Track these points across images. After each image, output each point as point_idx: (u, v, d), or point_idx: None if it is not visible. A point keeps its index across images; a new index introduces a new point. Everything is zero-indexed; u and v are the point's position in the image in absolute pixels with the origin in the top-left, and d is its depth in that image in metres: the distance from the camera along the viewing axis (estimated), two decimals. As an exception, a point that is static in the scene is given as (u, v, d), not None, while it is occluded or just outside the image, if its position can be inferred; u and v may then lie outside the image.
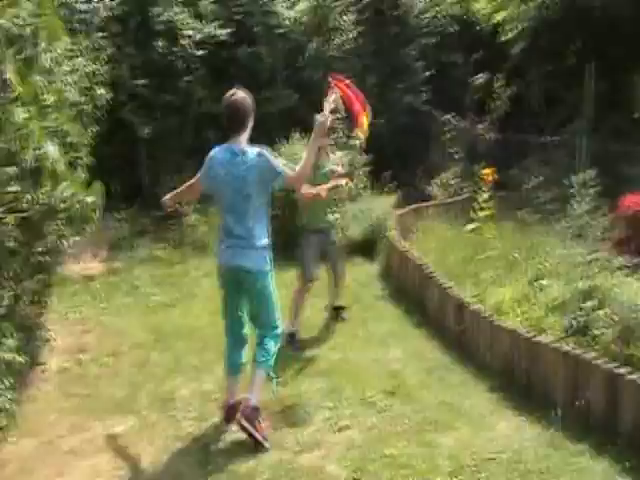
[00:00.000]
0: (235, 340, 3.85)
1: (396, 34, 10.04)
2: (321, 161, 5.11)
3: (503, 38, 10.63)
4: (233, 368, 3.84)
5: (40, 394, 4.14)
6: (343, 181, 5.13)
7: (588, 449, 3.55)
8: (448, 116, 10.96)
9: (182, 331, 5.27)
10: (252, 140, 3.70)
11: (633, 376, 3.56)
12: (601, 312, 4.39)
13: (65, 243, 4.60)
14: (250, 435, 3.52)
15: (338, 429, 3.78)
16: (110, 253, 7.09)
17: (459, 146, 10.96)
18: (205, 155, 3.86)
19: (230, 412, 3.74)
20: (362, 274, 6.98)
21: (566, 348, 3.96)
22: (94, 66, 4.36)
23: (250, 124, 3.70)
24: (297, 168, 3.67)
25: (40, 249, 4.47)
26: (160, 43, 7.28)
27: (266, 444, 3.53)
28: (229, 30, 7.81)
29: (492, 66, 11.75)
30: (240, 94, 3.67)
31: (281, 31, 8.40)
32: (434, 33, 11.07)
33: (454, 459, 3.49)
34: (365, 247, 7.58)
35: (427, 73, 10.92)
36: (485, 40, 11.95)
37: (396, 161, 10.98)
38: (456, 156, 10.97)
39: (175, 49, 7.38)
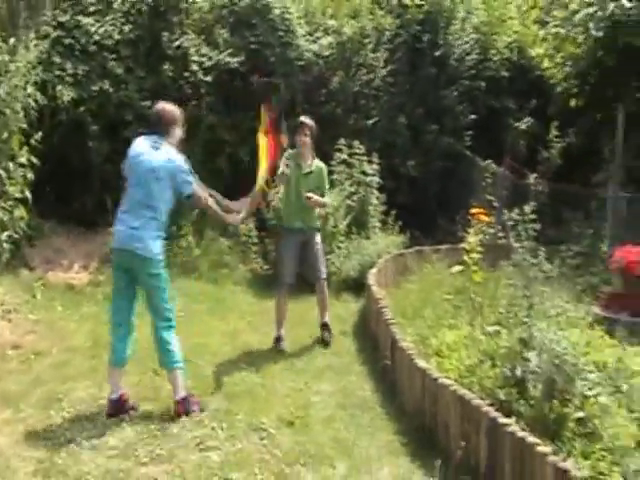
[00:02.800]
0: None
1: (435, 75, 9.94)
2: (299, 159, 5.45)
3: (544, 69, 10.22)
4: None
5: (-57, 379, 4.33)
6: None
7: (460, 505, 3.22)
8: (488, 162, 10.62)
9: (122, 342, 5.33)
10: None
11: (513, 427, 3.20)
12: (532, 364, 4.01)
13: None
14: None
15: (201, 449, 3.65)
16: (101, 266, 7.35)
17: (498, 193, 10.56)
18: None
19: (112, 407, 3.94)
20: (343, 310, 6.81)
21: (462, 392, 3.64)
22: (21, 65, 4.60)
23: (173, 132, 4.10)
24: (205, 196, 4.17)
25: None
26: (170, 67, 7.65)
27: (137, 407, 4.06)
28: (241, 58, 8.06)
29: (546, 114, 11.35)
30: (167, 104, 4.17)
31: (301, 64, 8.58)
32: (482, 77, 10.85)
33: (304, 495, 3.27)
34: (357, 285, 7.40)
35: (471, 117, 10.67)
36: (543, 87, 11.60)
37: (436, 206, 10.77)
38: (495, 204, 10.59)
39: (185, 74, 7.72)
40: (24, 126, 4.77)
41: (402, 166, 9.96)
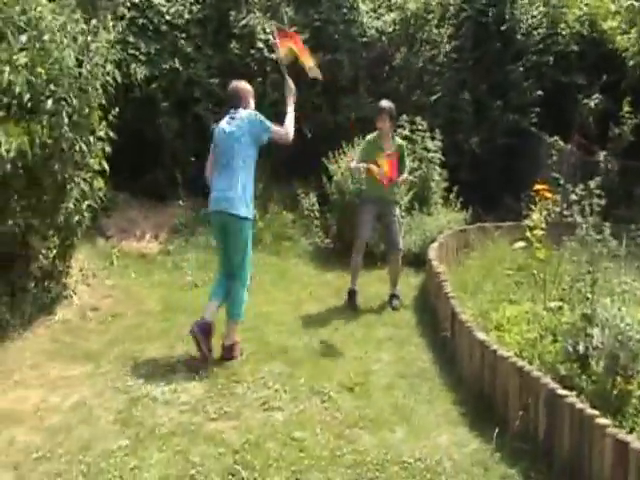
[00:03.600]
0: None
1: (500, 50, 9.71)
2: (381, 142, 5.79)
3: (617, 43, 9.78)
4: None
5: (31, 335, 4.64)
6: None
7: (517, 474, 3.25)
8: (555, 138, 10.32)
9: (191, 307, 5.50)
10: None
11: (572, 399, 3.19)
12: (595, 339, 3.96)
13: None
14: (197, 344, 4.25)
15: (265, 409, 3.81)
16: (170, 236, 7.64)
17: (565, 171, 10.26)
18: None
19: (198, 327, 4.28)
20: (403, 284, 6.82)
21: (520, 363, 3.64)
22: (102, 45, 4.78)
23: (249, 103, 4.61)
24: (283, 127, 4.57)
25: (66, 206, 5.03)
26: (237, 45, 7.76)
27: (209, 356, 4.30)
28: (305, 36, 8.06)
29: (619, 89, 10.90)
30: (240, 82, 4.69)
31: (364, 40, 8.54)
32: (551, 51, 10.51)
33: (362, 455, 3.37)
34: (418, 260, 7.40)
35: (538, 93, 10.38)
36: (616, 62, 11.11)
37: (500, 183, 10.59)
38: (561, 181, 10.31)
39: (252, 51, 7.83)
40: (103, 102, 4.99)
41: (465, 142, 9.83)
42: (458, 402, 4.05)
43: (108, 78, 4.93)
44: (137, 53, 7.27)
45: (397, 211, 6.06)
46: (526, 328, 4.56)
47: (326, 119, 8.54)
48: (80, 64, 4.74)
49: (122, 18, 6.91)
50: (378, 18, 8.76)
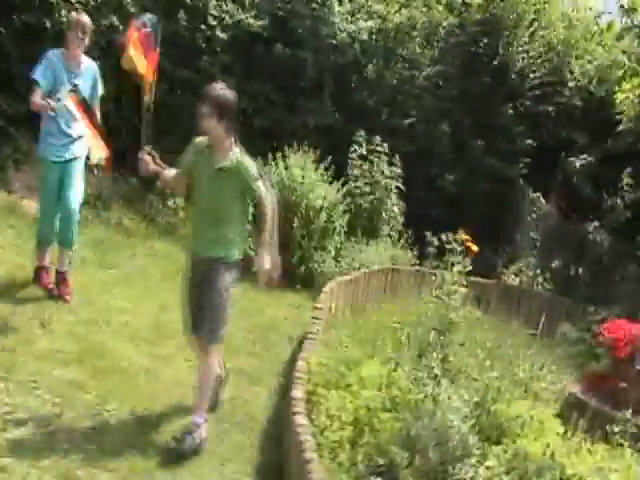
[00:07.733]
0: None
1: (490, 85, 9.13)
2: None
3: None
4: None
5: None
6: None
7: None
8: (537, 195, 9.68)
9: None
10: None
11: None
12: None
13: None
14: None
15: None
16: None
17: (543, 232, 9.64)
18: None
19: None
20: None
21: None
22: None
23: None
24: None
25: None
26: (185, 17, 7.26)
27: None
28: (262, 22, 7.61)
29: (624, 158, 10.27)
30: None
31: (333, 42, 8.04)
32: (553, 102, 9.93)
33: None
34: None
35: (528, 142, 9.80)
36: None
37: (476, 231, 9.98)
38: (537, 244, 9.67)
39: (202, 27, 7.34)
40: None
41: (439, 178, 9.22)
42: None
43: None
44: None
45: (226, 277, 3.46)
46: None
47: (281, 118, 8.00)
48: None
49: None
50: (353, 22, 8.26)
